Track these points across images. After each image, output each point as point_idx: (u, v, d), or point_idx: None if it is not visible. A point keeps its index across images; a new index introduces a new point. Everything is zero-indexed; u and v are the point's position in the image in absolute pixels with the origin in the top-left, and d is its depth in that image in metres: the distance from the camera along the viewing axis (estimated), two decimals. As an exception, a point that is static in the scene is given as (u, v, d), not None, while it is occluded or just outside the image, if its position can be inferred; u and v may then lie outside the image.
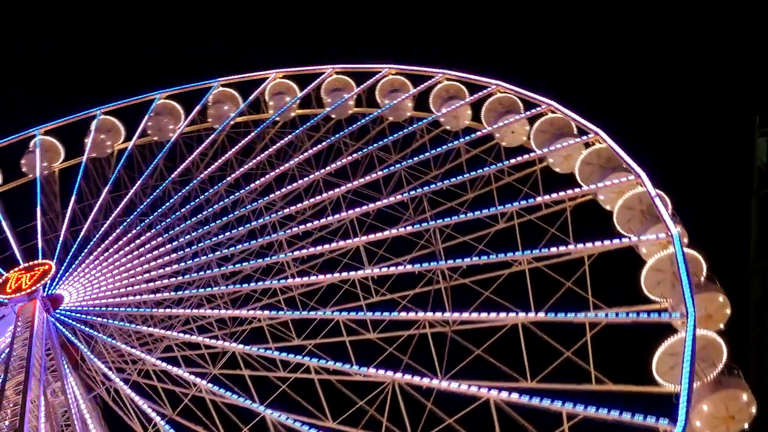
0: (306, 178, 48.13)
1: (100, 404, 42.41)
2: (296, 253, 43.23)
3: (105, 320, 41.49)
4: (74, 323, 41.81)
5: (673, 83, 72.19)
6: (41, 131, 57.48)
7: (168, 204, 48.68)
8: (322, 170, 48.33)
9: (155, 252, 45.16)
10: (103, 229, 47.51)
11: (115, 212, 48.77)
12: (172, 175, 51.17)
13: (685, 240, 41.62)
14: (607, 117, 48.32)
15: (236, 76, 58.50)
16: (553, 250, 39.32)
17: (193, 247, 45.01)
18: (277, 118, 56.31)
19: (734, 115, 61.70)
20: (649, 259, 39.43)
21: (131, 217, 48.08)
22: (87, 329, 41.35)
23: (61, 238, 47.20)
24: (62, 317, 42.33)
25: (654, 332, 35.77)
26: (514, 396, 32.03)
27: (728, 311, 37.82)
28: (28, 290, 42.37)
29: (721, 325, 37.48)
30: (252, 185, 49.04)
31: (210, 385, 36.93)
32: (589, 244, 39.23)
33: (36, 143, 56.98)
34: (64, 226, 48.20)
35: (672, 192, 41.00)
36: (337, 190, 46.42)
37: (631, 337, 36.97)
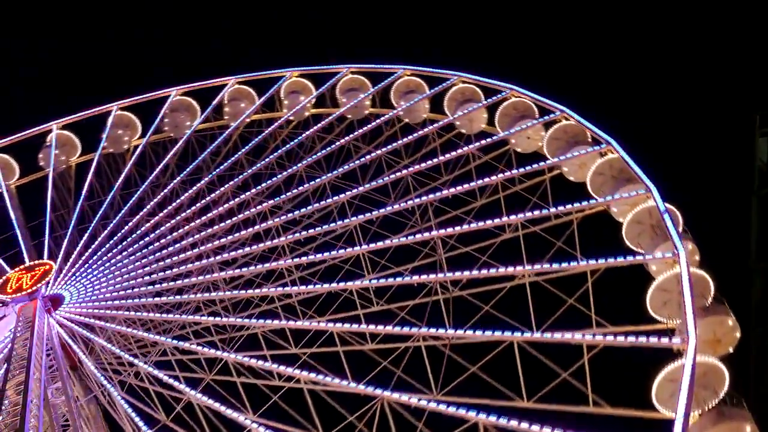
0: (313, 182, 47.49)
1: (101, 404, 42.45)
2: (296, 260, 42.65)
3: (104, 323, 41.35)
4: (73, 325, 41.72)
5: (673, 83, 71.61)
6: (58, 126, 57.65)
7: (175, 204, 48.43)
8: (330, 174, 47.63)
9: (157, 254, 44.90)
10: (108, 228, 47.41)
11: (123, 211, 48.63)
12: (181, 175, 50.93)
13: (696, 257, 40.24)
14: (608, 117, 47.75)
15: (252, 74, 58.15)
16: (556, 266, 38.08)
17: (195, 250, 44.63)
18: (291, 117, 55.91)
19: (734, 115, 61.37)
20: (658, 276, 38.14)
21: (137, 217, 47.85)
22: (85, 332, 41.22)
23: (67, 237, 47.19)
24: (62, 318, 42.30)
25: (657, 353, 34.60)
26: (503, 421, 31.01)
27: (738, 334, 36.41)
28: (29, 290, 42.48)
29: (731, 349, 36.17)
30: (259, 187, 48.54)
31: (199, 395, 36.56)
32: (592, 261, 38.02)
33: (52, 138, 57.11)
34: (72, 225, 48.21)
35: (672, 192, 40.42)
36: (342, 195, 45.71)
37: (633, 358, 35.66)
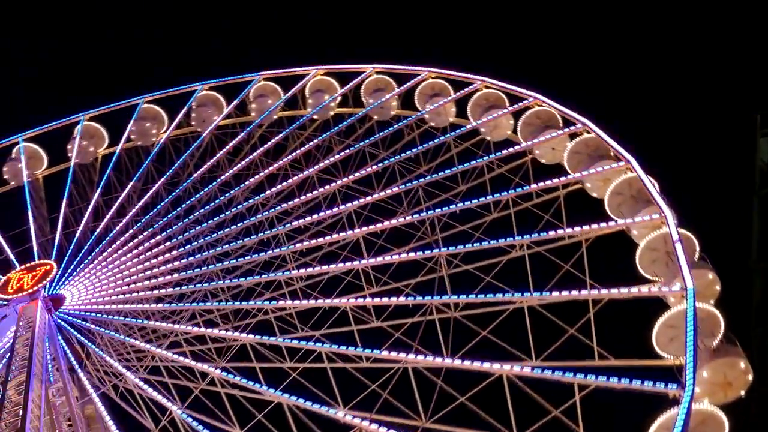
0: (323, 188, 46.50)
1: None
2: (295, 272, 41.88)
3: (99, 328, 41.36)
4: (70, 328, 41.80)
5: (674, 83, 70.50)
6: (86, 117, 57.78)
7: (185, 205, 48.12)
8: (342, 180, 46.52)
9: (161, 258, 44.68)
10: (117, 228, 47.40)
11: (134, 210, 48.56)
12: (195, 174, 50.64)
13: (717, 287, 37.82)
14: (609, 118, 46.77)
15: (278, 71, 57.20)
16: (556, 294, 36.25)
17: (199, 255, 44.32)
18: (315, 116, 54.95)
19: (736, 115, 60.57)
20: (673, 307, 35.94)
21: (146, 217, 47.71)
22: (80, 336, 41.27)
23: (77, 236, 47.35)
24: (64, 318, 42.44)
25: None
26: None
27: (750, 377, 34.00)
28: (30, 290, 42.65)
29: (742, 393, 33.85)
30: (270, 191, 47.85)
31: (179, 412, 36.25)
32: (595, 291, 36.20)
33: (78, 130, 57.26)
34: (83, 223, 48.39)
35: (674, 193, 39.27)
36: (350, 204, 44.59)
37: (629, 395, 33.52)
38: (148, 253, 45.06)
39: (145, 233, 46.51)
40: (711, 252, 37.85)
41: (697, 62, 69.36)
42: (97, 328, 41.37)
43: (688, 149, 65.64)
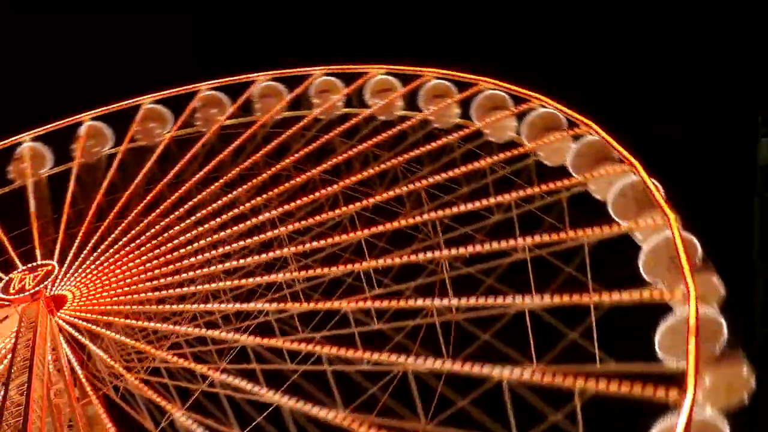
0: (325, 190, 46.30)
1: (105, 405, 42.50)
2: (296, 274, 41.81)
3: (100, 329, 41.37)
4: (70, 328, 41.85)
5: (676, 83, 69.48)
6: (89, 117, 57.51)
7: (187, 206, 48.07)
8: (343, 182, 46.27)
9: (163, 259, 44.67)
10: (119, 228, 47.43)
11: (136, 210, 48.54)
12: (197, 176, 50.56)
13: (721, 291, 37.38)
14: (611, 117, 46.21)
15: (281, 71, 56.67)
16: (557, 299, 36.15)
17: (199, 257, 44.29)
18: (322, 116, 54.71)
19: (738, 115, 60.91)
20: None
21: (149, 218, 47.71)
22: (81, 338, 41.29)
23: (79, 236, 47.35)
24: (65, 318, 42.50)
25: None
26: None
27: (752, 382, 33.55)
28: (32, 291, 42.68)
29: (745, 398, 33.38)
30: (272, 192, 47.74)
31: (179, 413, 36.32)
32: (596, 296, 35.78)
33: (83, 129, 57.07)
34: (85, 223, 48.41)
35: (675, 193, 39.25)
36: (351, 206, 44.34)
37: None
38: (150, 254, 44.96)
39: (147, 234, 46.34)
40: (713, 253, 37.71)
41: (699, 63, 68.94)
42: (97, 328, 41.24)
43: (690, 150, 64.77)
